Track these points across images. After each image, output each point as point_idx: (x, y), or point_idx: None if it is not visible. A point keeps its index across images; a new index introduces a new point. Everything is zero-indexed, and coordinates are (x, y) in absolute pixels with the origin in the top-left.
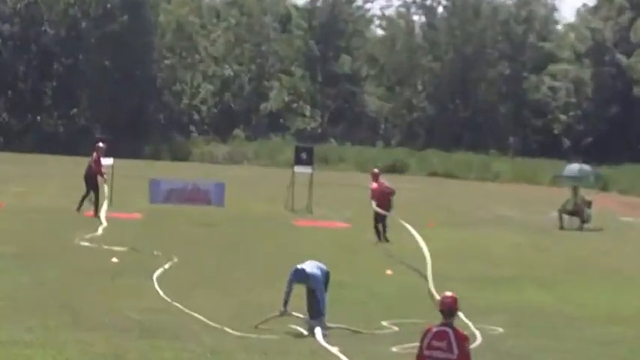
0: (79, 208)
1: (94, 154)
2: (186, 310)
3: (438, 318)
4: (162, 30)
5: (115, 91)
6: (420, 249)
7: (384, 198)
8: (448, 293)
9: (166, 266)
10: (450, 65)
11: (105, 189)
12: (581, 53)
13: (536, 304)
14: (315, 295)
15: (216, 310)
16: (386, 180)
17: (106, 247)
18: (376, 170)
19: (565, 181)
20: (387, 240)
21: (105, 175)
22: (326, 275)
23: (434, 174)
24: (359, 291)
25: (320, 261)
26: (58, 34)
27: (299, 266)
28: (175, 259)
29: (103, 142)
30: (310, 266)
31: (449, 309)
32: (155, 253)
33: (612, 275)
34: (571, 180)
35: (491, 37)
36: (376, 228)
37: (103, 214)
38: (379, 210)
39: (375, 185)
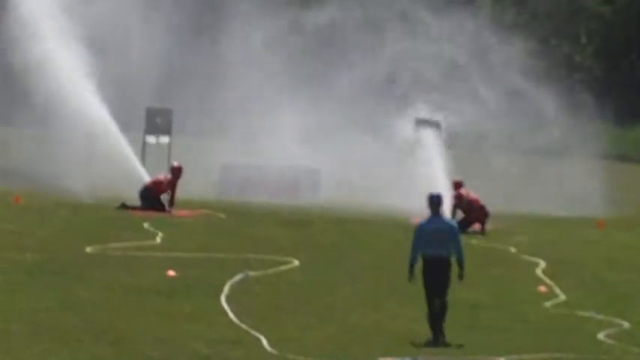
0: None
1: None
2: (267, 344)
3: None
4: None
5: None
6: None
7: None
8: None
9: (240, 281)
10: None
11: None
12: None
13: None
14: None
15: (309, 340)
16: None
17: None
18: (458, 178)
19: None
20: None
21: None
22: None
23: (604, 156)
24: (501, 314)
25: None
26: None
27: None
28: (252, 272)
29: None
30: None
31: None
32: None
33: None
34: None
35: None
36: None
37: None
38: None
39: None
